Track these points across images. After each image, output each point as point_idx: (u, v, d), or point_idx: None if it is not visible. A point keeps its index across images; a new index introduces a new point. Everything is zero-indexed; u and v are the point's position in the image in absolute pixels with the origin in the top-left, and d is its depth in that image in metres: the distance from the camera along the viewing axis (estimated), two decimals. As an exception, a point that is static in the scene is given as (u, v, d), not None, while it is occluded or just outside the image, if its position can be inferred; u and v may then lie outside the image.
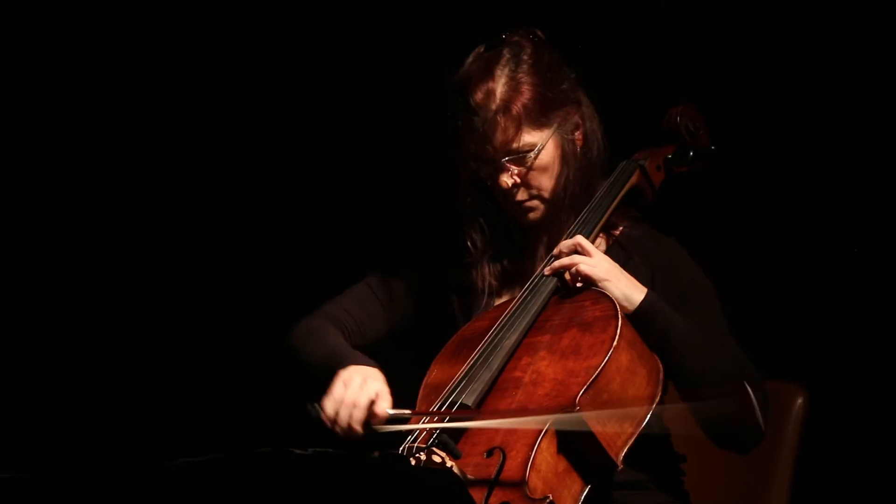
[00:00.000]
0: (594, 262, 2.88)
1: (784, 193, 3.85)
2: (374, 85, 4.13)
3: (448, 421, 2.69)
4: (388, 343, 3.17)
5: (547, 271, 2.93)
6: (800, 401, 3.31)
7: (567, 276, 2.91)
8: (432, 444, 2.64)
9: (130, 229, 4.18)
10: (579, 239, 2.92)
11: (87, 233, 4.14)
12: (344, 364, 2.89)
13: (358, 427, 2.78)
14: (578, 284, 2.90)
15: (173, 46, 4.14)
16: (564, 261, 2.90)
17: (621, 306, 2.81)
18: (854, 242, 3.80)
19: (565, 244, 2.93)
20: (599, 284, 2.86)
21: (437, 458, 2.59)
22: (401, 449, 2.72)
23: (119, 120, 4.15)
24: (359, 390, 2.79)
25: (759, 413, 2.89)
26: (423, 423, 2.74)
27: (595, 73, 3.09)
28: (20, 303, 4.13)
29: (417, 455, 2.60)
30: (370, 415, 2.79)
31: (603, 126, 3.08)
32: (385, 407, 2.79)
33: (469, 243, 3.07)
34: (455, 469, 2.58)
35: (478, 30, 3.10)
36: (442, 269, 3.13)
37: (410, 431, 2.74)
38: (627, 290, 2.86)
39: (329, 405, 2.80)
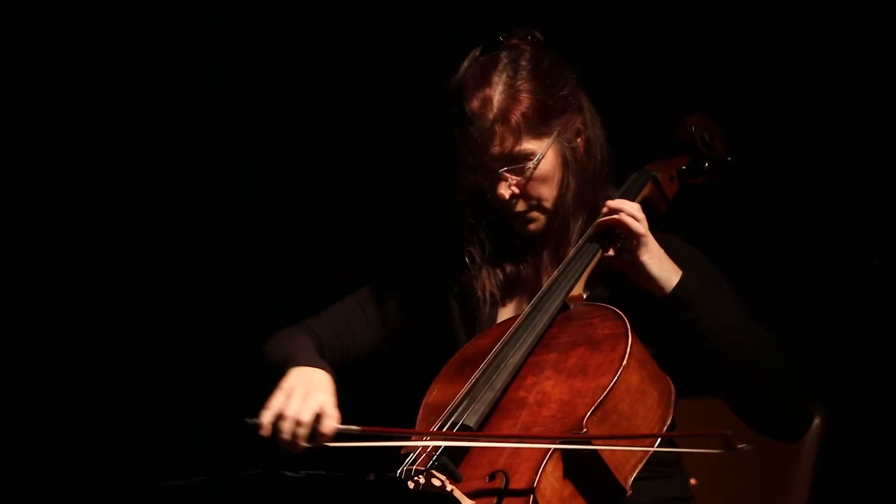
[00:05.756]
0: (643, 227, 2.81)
1: (801, 205, 3.82)
2: (371, 88, 4.10)
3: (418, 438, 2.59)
4: (380, 359, 3.07)
5: (592, 230, 2.85)
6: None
7: (609, 245, 2.84)
8: (431, 467, 2.56)
9: (130, 236, 4.16)
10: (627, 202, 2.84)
11: (86, 237, 4.13)
12: (292, 364, 2.74)
13: (303, 444, 2.62)
14: (613, 252, 2.82)
15: (173, 46, 4.13)
16: (610, 218, 2.82)
17: (660, 286, 2.76)
18: (873, 255, 3.77)
19: (613, 202, 2.83)
20: (640, 254, 2.77)
21: (436, 482, 2.50)
22: (399, 471, 2.62)
23: (119, 120, 4.15)
24: (301, 403, 2.64)
25: (805, 391, 2.82)
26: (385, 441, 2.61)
27: (601, 75, 3.03)
28: (19, 308, 4.12)
29: (416, 478, 2.52)
30: (315, 431, 2.63)
31: (607, 130, 3.00)
32: (331, 424, 2.64)
33: (467, 258, 2.99)
34: (456, 493, 2.50)
35: (480, 27, 3.05)
36: (442, 280, 3.06)
37: (411, 452, 2.65)
38: (668, 269, 2.79)
39: (266, 418, 2.64)
